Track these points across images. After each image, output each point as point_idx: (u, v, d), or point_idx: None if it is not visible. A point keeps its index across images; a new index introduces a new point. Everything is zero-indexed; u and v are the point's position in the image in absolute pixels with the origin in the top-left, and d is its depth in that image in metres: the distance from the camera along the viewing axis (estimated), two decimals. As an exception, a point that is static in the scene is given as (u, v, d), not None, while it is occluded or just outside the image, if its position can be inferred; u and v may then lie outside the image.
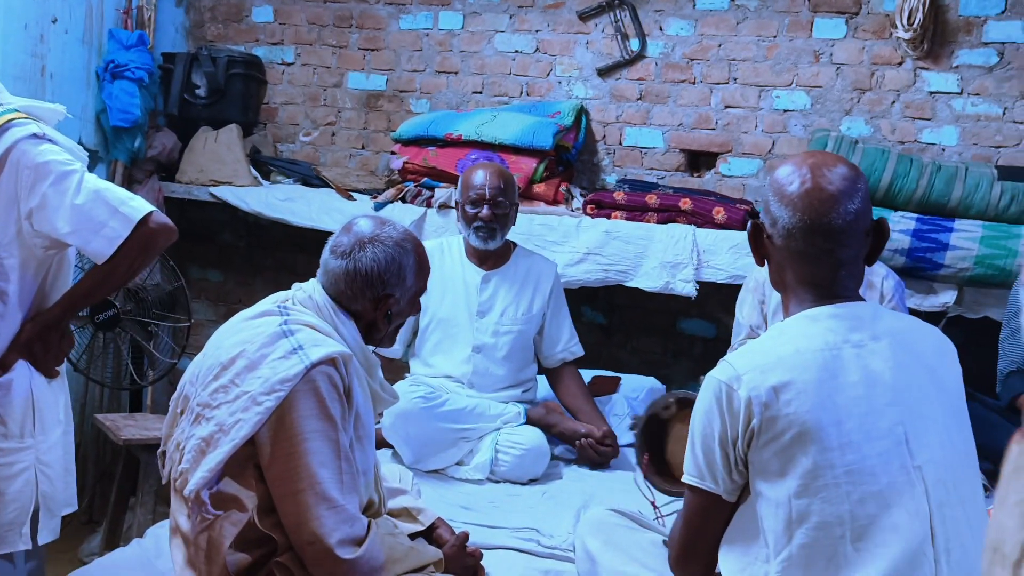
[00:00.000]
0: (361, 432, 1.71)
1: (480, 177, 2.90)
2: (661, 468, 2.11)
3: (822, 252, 1.46)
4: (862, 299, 1.49)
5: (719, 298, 3.66)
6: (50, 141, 1.97)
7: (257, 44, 4.42)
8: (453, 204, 3.68)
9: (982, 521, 1.44)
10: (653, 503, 2.20)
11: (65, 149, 2.00)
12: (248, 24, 4.43)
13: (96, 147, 3.96)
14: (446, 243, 3.04)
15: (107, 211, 1.95)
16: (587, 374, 3.45)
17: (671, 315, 3.96)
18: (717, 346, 3.87)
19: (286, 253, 4.42)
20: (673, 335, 4.03)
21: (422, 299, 2.21)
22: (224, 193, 4.00)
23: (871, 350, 1.42)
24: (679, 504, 2.22)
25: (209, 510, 1.60)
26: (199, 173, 4.07)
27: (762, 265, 1.58)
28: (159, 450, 1.81)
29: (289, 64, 4.39)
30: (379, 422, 2.63)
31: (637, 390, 3.34)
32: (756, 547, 1.40)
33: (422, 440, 2.64)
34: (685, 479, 1.48)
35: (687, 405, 2.10)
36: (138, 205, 2.01)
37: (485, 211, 2.88)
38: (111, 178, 4.01)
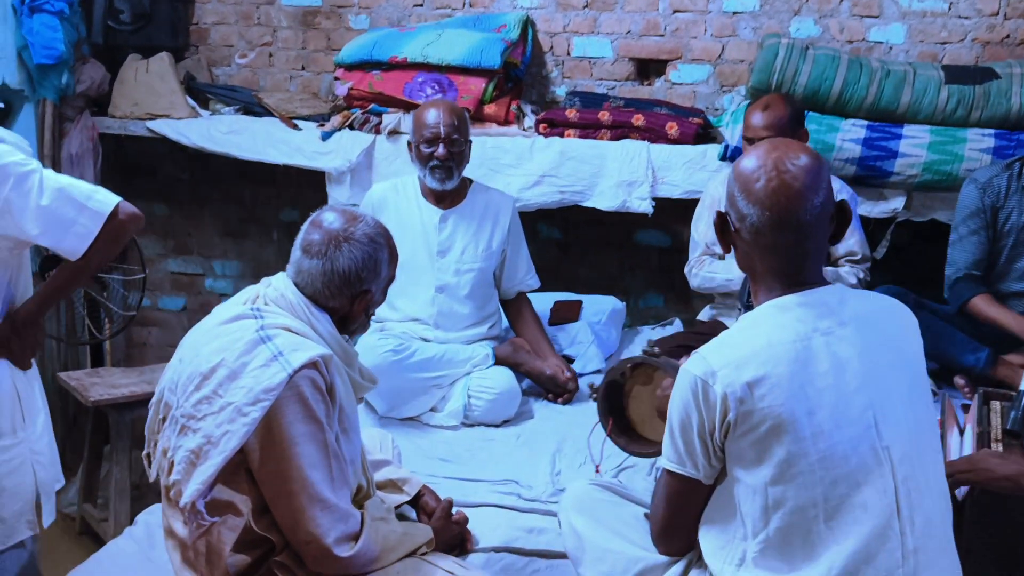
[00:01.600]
0: (346, 424, 1.74)
1: (433, 116, 2.84)
2: (626, 429, 2.19)
3: (791, 245, 1.49)
4: (827, 282, 1.54)
5: (674, 210, 3.69)
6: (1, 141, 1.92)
7: (180, -40, 4.17)
8: (401, 130, 3.61)
9: (941, 482, 1.54)
10: (597, 467, 2.31)
11: (16, 147, 1.94)
12: (168, -61, 4.15)
13: (21, 86, 3.75)
14: (400, 184, 3.00)
15: (74, 208, 1.93)
16: (548, 297, 3.49)
17: (627, 227, 3.99)
18: (673, 256, 3.94)
19: (232, 183, 4.32)
20: (630, 248, 4.08)
21: None
22: (162, 128, 3.85)
23: (839, 336, 1.47)
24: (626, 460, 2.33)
25: (205, 517, 1.64)
26: (133, 107, 3.91)
27: (728, 252, 1.61)
28: (143, 452, 1.82)
29: (216, -20, 4.16)
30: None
31: (599, 313, 3.40)
32: (734, 526, 1.48)
33: (394, 391, 2.69)
34: (665, 464, 1.55)
35: (641, 366, 2.16)
36: (104, 198, 1.99)
37: (441, 150, 2.83)
38: (40, 118, 3.84)
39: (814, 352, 1.45)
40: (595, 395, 2.21)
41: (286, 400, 1.62)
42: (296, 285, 1.78)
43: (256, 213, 4.41)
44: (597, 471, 2.28)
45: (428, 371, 2.72)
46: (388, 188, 2.97)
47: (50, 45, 3.65)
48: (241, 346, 1.67)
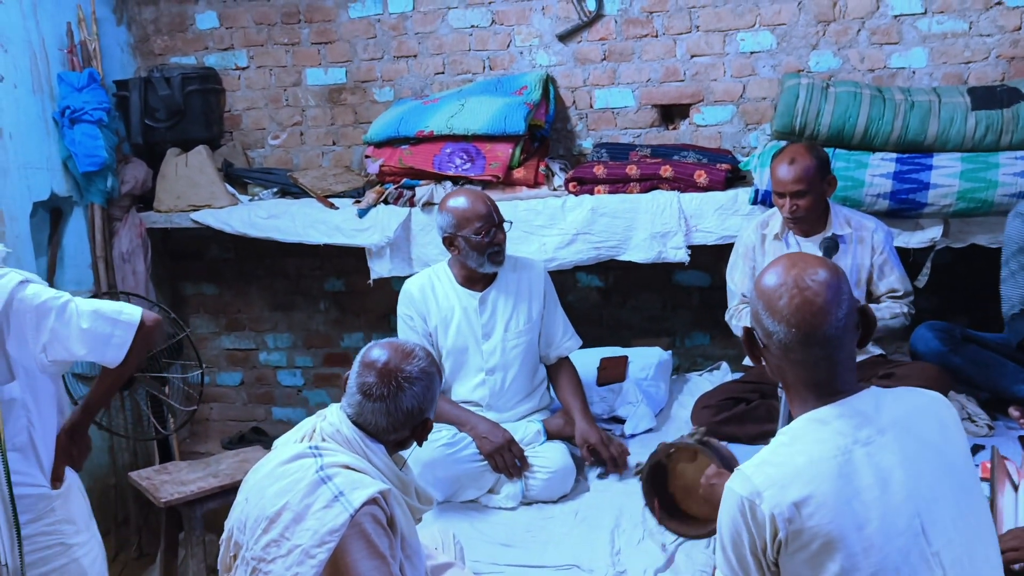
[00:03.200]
0: (409, 551, 1.81)
1: (482, 207, 2.92)
2: (672, 507, 2.22)
3: (819, 359, 1.52)
4: (862, 387, 1.57)
5: (711, 250, 3.71)
6: (32, 282, 2.17)
7: (207, 52, 4.31)
8: (435, 201, 3.69)
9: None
10: (663, 546, 2.34)
11: (40, 283, 2.21)
12: (194, 32, 4.30)
13: (69, 193, 3.92)
14: (433, 274, 3.06)
15: (109, 324, 2.18)
16: (594, 353, 3.53)
17: (666, 269, 4.02)
18: (714, 294, 3.96)
19: (276, 259, 4.44)
20: (671, 289, 4.11)
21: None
22: (206, 218, 3.98)
23: (880, 445, 1.50)
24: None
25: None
26: (176, 200, 4.05)
27: (760, 366, 1.64)
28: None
29: (243, 68, 4.29)
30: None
31: (646, 368, 3.43)
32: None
33: (452, 480, 2.76)
34: (721, 578, 1.59)
35: (687, 448, 2.20)
36: (131, 311, 2.23)
37: (500, 236, 2.94)
38: (90, 222, 3.99)
39: (856, 466, 1.48)
40: (640, 475, 2.25)
41: (350, 538, 1.69)
42: (352, 420, 1.85)
43: (302, 285, 4.53)
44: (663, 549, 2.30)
45: (482, 459, 2.78)
46: (424, 282, 3.04)
47: (92, 153, 3.80)
48: (303, 487, 1.74)
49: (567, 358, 3.16)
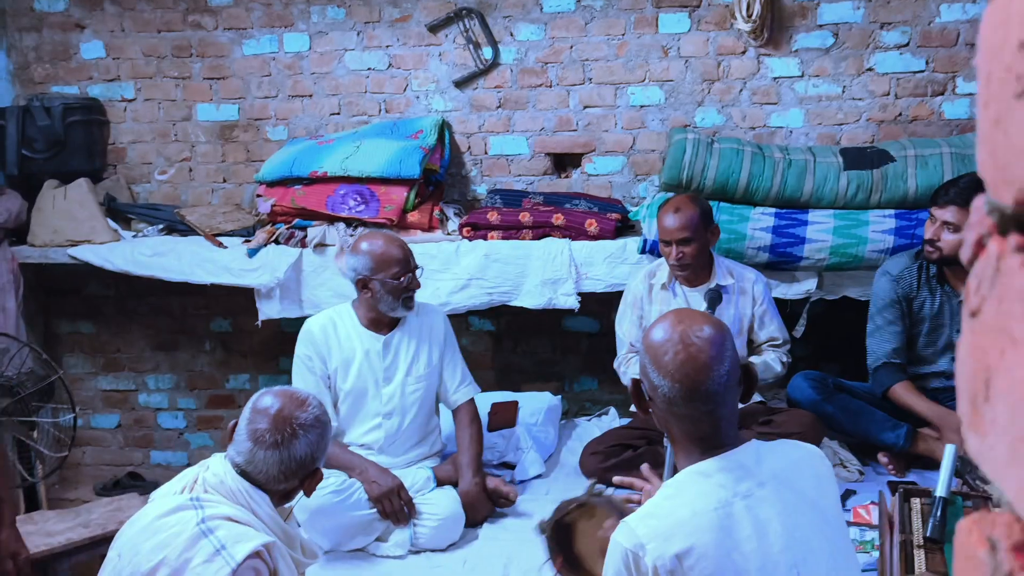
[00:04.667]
0: (291, 605, 1.76)
1: (398, 251, 2.91)
2: (575, 564, 2.25)
3: (703, 414, 1.57)
4: (743, 440, 1.63)
5: (597, 297, 3.79)
6: None
7: (92, 82, 4.17)
8: (327, 242, 3.66)
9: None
10: None
11: None
12: (78, 62, 4.16)
13: (-65, 224, 3.70)
14: (335, 315, 3.02)
15: None
16: (486, 399, 3.54)
17: (556, 315, 4.07)
18: (601, 339, 4.04)
19: (160, 296, 4.29)
20: (560, 334, 4.17)
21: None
22: (85, 254, 3.83)
23: (759, 498, 1.56)
24: None
25: None
26: (53, 234, 3.88)
27: (647, 416, 1.69)
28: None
29: (130, 100, 4.17)
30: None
31: (535, 412, 3.46)
32: None
33: (340, 529, 2.70)
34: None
35: (584, 505, 2.23)
36: None
37: (416, 281, 2.93)
38: (-42, 255, 3.78)
39: (736, 518, 1.53)
40: (544, 531, 2.26)
41: (231, 595, 1.64)
42: (242, 469, 1.79)
43: (187, 324, 4.39)
44: None
45: (371, 507, 2.74)
46: (326, 322, 2.99)
47: (-37, 184, 3.61)
48: (182, 541, 1.68)
49: (469, 404, 3.13)
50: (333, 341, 2.94)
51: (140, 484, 4.31)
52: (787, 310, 3.48)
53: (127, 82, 4.15)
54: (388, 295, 2.88)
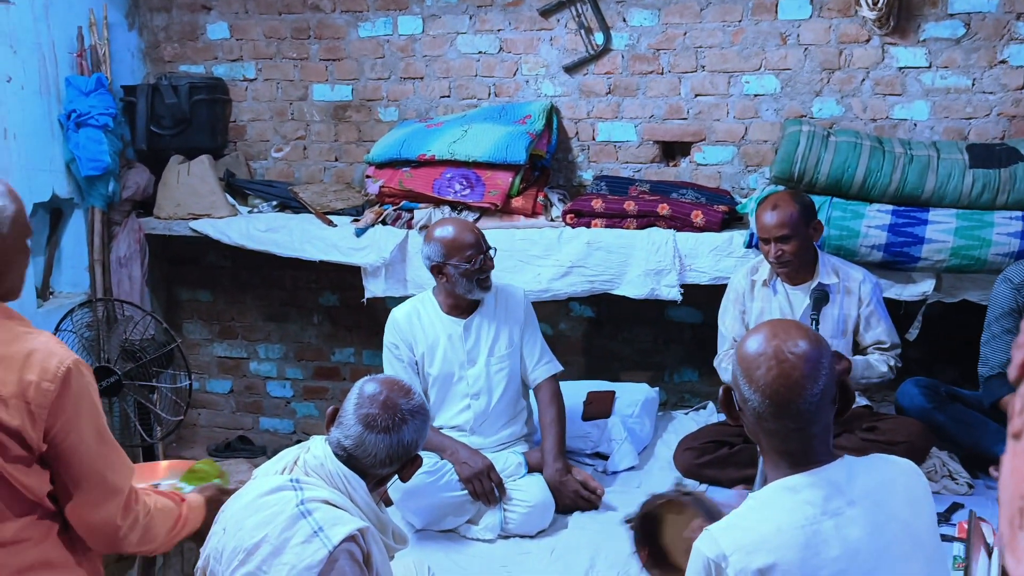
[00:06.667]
0: (383, 588, 1.82)
1: (471, 237, 2.96)
2: (660, 560, 2.23)
3: (792, 431, 1.53)
4: (836, 456, 1.57)
5: (704, 287, 3.72)
6: None
7: (216, 62, 4.33)
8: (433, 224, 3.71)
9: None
10: None
11: None
12: (205, 42, 4.33)
13: (70, 195, 3.94)
14: (419, 303, 3.09)
15: None
16: (582, 386, 3.54)
17: (659, 304, 4.02)
18: (705, 331, 3.96)
19: (273, 269, 4.45)
20: (663, 323, 4.12)
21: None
22: (204, 227, 4.00)
23: (848, 518, 1.51)
24: None
25: None
26: (176, 208, 4.07)
27: (736, 424, 1.66)
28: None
29: (251, 80, 4.32)
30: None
31: (632, 404, 3.44)
32: None
33: (431, 508, 2.77)
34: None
35: (675, 500, 2.21)
36: None
37: (489, 263, 2.98)
38: (90, 225, 4.01)
39: (824, 537, 1.49)
40: (631, 523, 2.25)
41: (327, 575, 1.70)
42: (348, 454, 1.85)
43: (297, 297, 4.54)
44: None
45: (462, 488, 2.79)
46: (410, 310, 3.06)
47: (96, 158, 3.82)
48: (282, 521, 1.75)
49: (550, 382, 3.12)
50: (417, 329, 3.00)
51: (249, 447, 4.50)
52: (901, 311, 3.35)
53: (249, 62, 4.29)
54: (463, 279, 2.93)
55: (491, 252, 3.01)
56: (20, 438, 1.76)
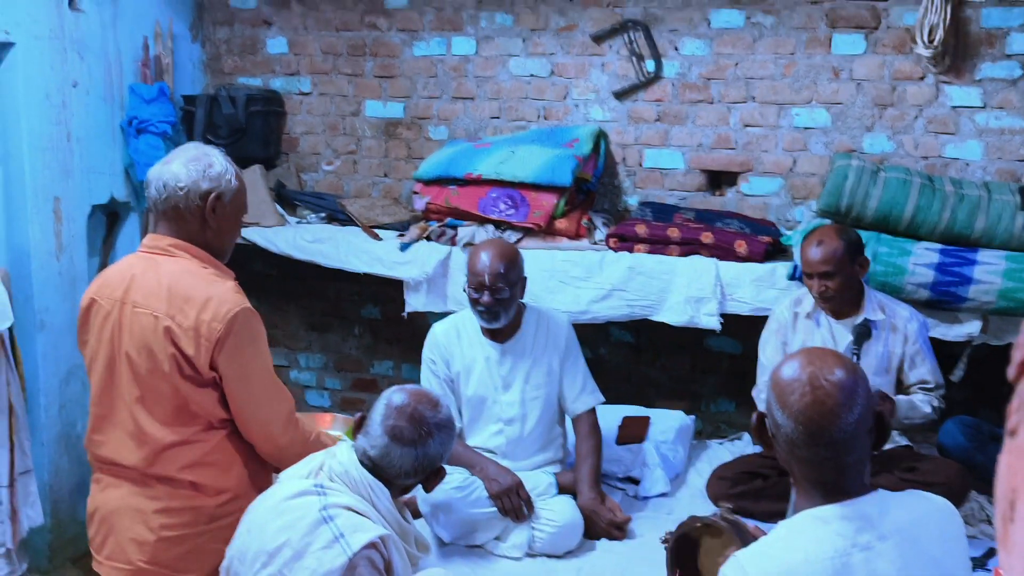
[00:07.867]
0: (403, 597, 1.84)
1: (481, 263, 2.92)
2: None
3: (824, 459, 1.52)
4: (870, 489, 1.56)
5: (744, 317, 3.71)
6: None
7: (274, 75, 4.44)
8: (476, 242, 3.74)
9: None
10: None
11: None
12: (264, 56, 4.44)
13: (128, 198, 4.04)
14: (459, 321, 3.09)
15: None
16: (617, 411, 3.53)
17: (698, 332, 4.01)
18: (744, 362, 3.94)
19: (317, 280, 4.52)
20: (701, 352, 4.10)
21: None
22: (253, 235, 4.07)
23: (878, 552, 1.49)
24: None
25: None
26: (227, 215, 4.14)
27: (769, 452, 1.65)
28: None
29: (306, 94, 4.41)
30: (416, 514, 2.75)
31: (666, 431, 3.43)
32: None
33: (460, 523, 2.78)
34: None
35: (714, 524, 2.19)
36: None
37: (486, 298, 2.92)
38: (144, 227, 4.11)
39: (853, 570, 1.48)
40: (666, 543, 2.25)
41: (347, 581, 1.72)
42: (373, 462, 1.87)
43: (339, 308, 4.61)
44: None
45: (492, 505, 2.80)
46: (449, 328, 3.07)
47: (154, 163, 3.90)
48: (305, 526, 1.78)
49: (590, 413, 3.14)
50: (455, 347, 3.01)
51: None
52: (945, 351, 3.29)
53: (305, 77, 4.39)
54: (470, 302, 2.92)
55: (500, 289, 2.91)
56: (191, 363, 2.08)
